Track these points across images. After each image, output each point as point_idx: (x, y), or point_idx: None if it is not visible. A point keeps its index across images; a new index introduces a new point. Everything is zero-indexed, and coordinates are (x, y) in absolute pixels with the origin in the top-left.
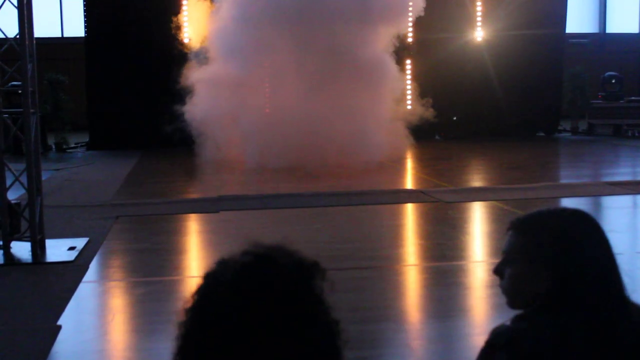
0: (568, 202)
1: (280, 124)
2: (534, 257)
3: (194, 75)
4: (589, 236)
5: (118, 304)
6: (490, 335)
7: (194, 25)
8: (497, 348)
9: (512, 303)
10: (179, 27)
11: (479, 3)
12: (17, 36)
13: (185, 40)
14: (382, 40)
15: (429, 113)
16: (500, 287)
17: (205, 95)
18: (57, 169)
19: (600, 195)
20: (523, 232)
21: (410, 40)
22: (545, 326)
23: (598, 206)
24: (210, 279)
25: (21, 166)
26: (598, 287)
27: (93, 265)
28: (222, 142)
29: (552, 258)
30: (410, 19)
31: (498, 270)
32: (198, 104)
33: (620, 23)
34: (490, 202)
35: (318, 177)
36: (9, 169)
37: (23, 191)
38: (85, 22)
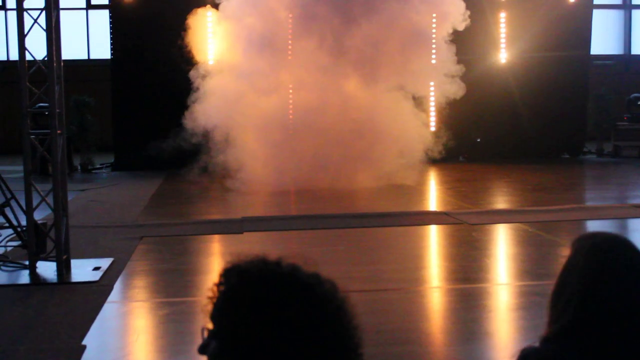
0: (594, 225)
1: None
2: (568, 272)
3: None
4: (618, 262)
5: (142, 324)
6: (518, 356)
7: (218, 45)
8: None
9: (549, 309)
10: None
11: (502, 25)
12: (45, 58)
13: (210, 62)
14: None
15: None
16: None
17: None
18: (83, 190)
19: (627, 218)
20: (571, 247)
21: (434, 61)
22: (573, 349)
23: (624, 229)
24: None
25: (47, 186)
26: (624, 314)
27: (117, 286)
28: (245, 162)
29: (580, 278)
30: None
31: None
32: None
33: None
34: (515, 224)
35: (341, 198)
36: (36, 189)
37: (49, 211)
38: (111, 44)
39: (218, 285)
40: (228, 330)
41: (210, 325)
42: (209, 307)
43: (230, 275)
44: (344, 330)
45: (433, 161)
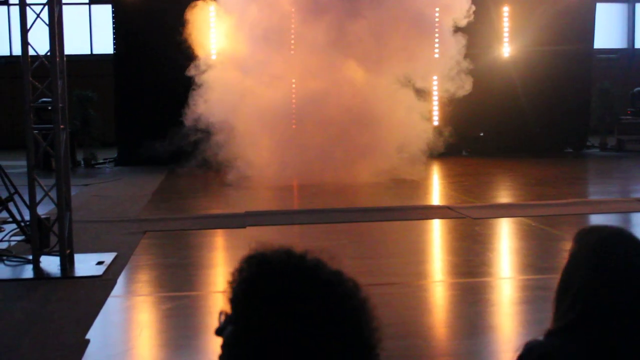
0: (597, 219)
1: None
2: (574, 267)
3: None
4: (625, 257)
5: (145, 318)
6: (522, 350)
7: (220, 38)
8: None
9: (554, 305)
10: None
11: (506, 19)
12: (48, 53)
13: (213, 57)
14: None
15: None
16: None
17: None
18: (86, 185)
19: (630, 212)
20: (575, 241)
21: (437, 56)
22: (578, 343)
23: (628, 223)
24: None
25: (51, 181)
26: (630, 308)
27: (121, 280)
28: (247, 157)
29: (586, 273)
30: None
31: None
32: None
33: None
34: (517, 218)
35: (344, 192)
36: (39, 184)
37: (52, 206)
38: (114, 39)
39: (239, 271)
40: (244, 318)
41: (228, 310)
42: (228, 292)
43: (252, 263)
44: (362, 330)
45: (436, 155)
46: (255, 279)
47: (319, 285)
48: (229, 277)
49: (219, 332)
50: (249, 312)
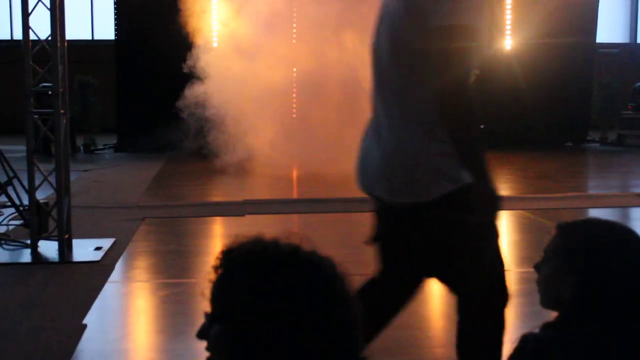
0: (596, 213)
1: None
2: (564, 260)
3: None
4: (619, 250)
5: (143, 304)
6: (518, 342)
7: (221, 25)
8: (525, 355)
9: (542, 301)
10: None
11: (508, 11)
12: (49, 38)
13: (214, 45)
14: None
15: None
16: (536, 283)
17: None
18: (85, 170)
19: (630, 207)
20: (561, 234)
21: None
22: (575, 335)
23: (627, 218)
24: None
25: (50, 166)
26: (623, 302)
27: (119, 266)
28: (247, 145)
29: (578, 265)
30: None
31: (537, 267)
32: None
33: None
34: (517, 211)
35: (344, 182)
36: (39, 169)
37: (51, 191)
38: (115, 24)
39: (216, 268)
40: (230, 314)
41: (209, 309)
42: (209, 291)
43: (229, 257)
44: (347, 307)
45: None
46: (235, 271)
47: (300, 269)
48: (208, 277)
49: (201, 334)
50: (234, 308)
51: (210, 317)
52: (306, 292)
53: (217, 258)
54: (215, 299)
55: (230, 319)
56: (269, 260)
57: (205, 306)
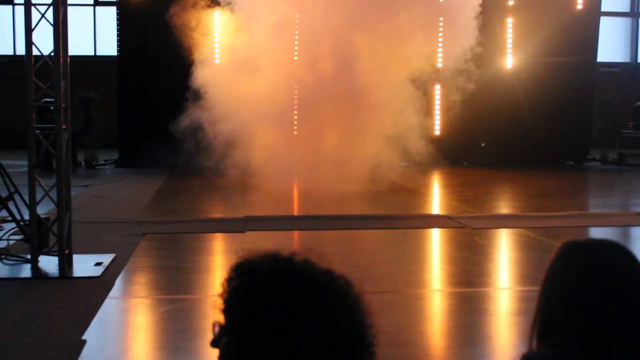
0: (597, 232)
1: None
2: (551, 283)
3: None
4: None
5: (142, 320)
6: None
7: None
8: None
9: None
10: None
11: (509, 30)
12: (52, 53)
13: (216, 62)
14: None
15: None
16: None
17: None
18: (86, 185)
19: (630, 225)
20: (555, 255)
21: (440, 65)
22: (574, 355)
23: (627, 237)
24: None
25: (51, 181)
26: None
27: (119, 282)
28: (249, 162)
29: (561, 291)
30: (441, 43)
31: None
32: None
33: None
34: (517, 229)
35: (344, 200)
36: (40, 184)
37: (52, 206)
38: (118, 40)
39: (229, 281)
40: (238, 327)
41: (221, 320)
42: (220, 303)
43: (241, 271)
44: (357, 328)
45: (437, 165)
46: (245, 287)
47: (311, 287)
48: (219, 288)
49: (214, 343)
50: (243, 322)
51: (221, 329)
52: (314, 310)
53: (231, 271)
54: (225, 311)
55: (238, 331)
56: (279, 276)
57: (216, 317)
